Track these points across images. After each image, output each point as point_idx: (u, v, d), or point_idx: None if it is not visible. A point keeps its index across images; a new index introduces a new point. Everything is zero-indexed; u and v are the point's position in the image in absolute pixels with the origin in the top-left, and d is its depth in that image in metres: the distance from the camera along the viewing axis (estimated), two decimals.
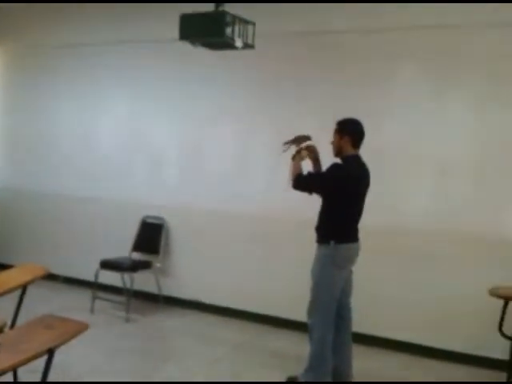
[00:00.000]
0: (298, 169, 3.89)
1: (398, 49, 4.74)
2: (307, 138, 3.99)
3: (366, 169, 3.88)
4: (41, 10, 6.37)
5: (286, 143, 4.00)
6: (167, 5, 5.32)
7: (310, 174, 3.94)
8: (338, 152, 3.87)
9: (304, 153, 3.94)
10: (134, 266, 5.65)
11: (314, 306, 3.89)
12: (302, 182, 3.86)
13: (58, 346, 2.39)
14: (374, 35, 4.78)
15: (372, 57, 4.85)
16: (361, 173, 3.86)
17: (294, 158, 3.95)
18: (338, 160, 3.86)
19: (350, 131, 3.83)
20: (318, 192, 3.90)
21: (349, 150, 3.83)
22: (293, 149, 3.98)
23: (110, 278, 5.75)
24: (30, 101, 6.79)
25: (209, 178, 5.66)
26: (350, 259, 3.91)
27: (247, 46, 3.75)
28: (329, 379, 3.92)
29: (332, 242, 3.79)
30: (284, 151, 3.99)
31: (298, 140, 3.99)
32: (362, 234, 3.93)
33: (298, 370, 4.18)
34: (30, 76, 6.76)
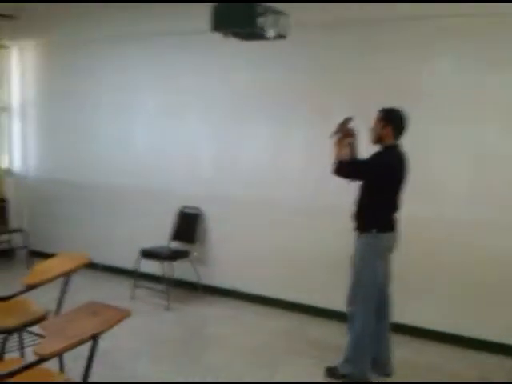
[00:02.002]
0: (340, 155, 3.87)
1: (436, 35, 4.66)
2: (349, 119, 3.94)
3: (406, 158, 3.85)
4: (71, 6, 6.45)
5: (333, 134, 3.95)
6: None
7: (353, 160, 3.92)
8: (378, 140, 3.84)
9: (349, 139, 3.92)
10: (173, 255, 5.76)
11: (355, 295, 3.89)
12: (344, 169, 3.84)
13: (102, 333, 2.46)
14: (409, 22, 4.72)
15: (408, 44, 4.78)
16: (402, 162, 3.83)
17: (336, 144, 3.93)
18: (376, 147, 3.84)
19: (394, 120, 3.80)
20: (360, 179, 3.88)
21: (391, 140, 3.81)
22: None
23: (150, 266, 5.87)
24: (68, 93, 6.92)
25: (245, 168, 5.69)
26: (391, 248, 3.91)
27: (279, 36, 3.73)
28: (368, 370, 3.92)
29: (374, 231, 3.80)
30: (335, 145, 3.92)
31: (342, 126, 3.95)
32: (400, 224, 3.92)
33: (336, 359, 4.20)
34: (68, 69, 6.88)
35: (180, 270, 5.85)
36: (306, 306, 5.37)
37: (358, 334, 3.86)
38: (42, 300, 3.69)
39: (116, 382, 3.83)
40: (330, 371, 4.02)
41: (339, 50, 5.07)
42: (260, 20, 3.50)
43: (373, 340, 3.89)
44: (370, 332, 3.86)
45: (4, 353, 3.39)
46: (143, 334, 4.76)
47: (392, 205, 3.88)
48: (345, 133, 3.93)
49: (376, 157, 3.79)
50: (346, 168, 3.85)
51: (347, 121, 3.96)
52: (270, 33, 3.60)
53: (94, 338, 2.46)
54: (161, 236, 5.99)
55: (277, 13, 3.64)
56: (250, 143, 5.66)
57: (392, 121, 3.80)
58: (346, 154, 3.89)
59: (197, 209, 5.99)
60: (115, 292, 5.83)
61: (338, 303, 4.95)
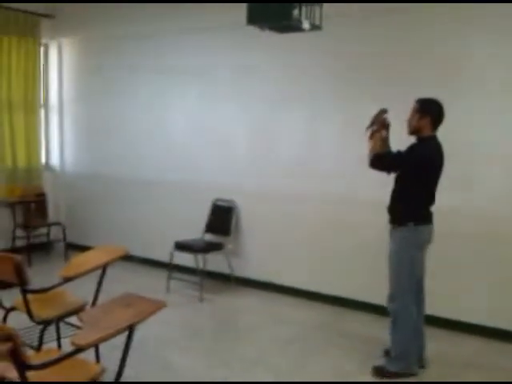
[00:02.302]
0: (376, 147, 3.83)
1: (474, 25, 4.55)
2: (384, 111, 3.90)
3: (443, 150, 3.77)
4: (108, 3, 6.56)
5: (368, 127, 3.92)
6: None
7: (389, 153, 3.88)
8: (415, 131, 3.78)
9: (384, 132, 3.88)
10: (207, 248, 5.79)
11: (396, 291, 3.82)
12: (381, 162, 3.80)
13: (137, 323, 2.50)
14: (445, 10, 4.62)
15: (441, 36, 4.69)
16: (438, 154, 3.76)
17: (371, 136, 3.89)
18: (412, 139, 3.79)
19: (432, 112, 3.73)
20: (397, 171, 3.83)
21: (428, 131, 3.75)
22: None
23: (184, 258, 5.92)
24: (104, 89, 7.01)
25: (278, 161, 5.67)
26: (428, 241, 3.85)
27: (314, 27, 3.69)
28: (415, 365, 3.87)
29: (411, 224, 3.74)
30: (371, 138, 3.90)
31: (377, 118, 3.91)
32: (435, 216, 3.86)
33: (371, 352, 4.20)
34: (105, 65, 6.96)
35: (213, 261, 5.88)
36: (340, 298, 5.34)
37: (405, 331, 3.79)
38: (79, 292, 3.76)
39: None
40: (378, 371, 3.91)
41: (375, 39, 5.00)
42: (295, 12, 3.47)
43: (417, 334, 3.84)
44: (414, 327, 3.81)
45: (42, 343, 3.46)
46: (177, 325, 4.80)
47: (429, 197, 3.81)
48: (380, 124, 3.89)
49: (413, 149, 3.73)
50: (383, 161, 3.81)
51: (382, 112, 3.92)
52: (306, 25, 3.56)
53: (130, 328, 2.49)
54: (195, 228, 6.03)
55: (312, 4, 3.60)
56: (285, 135, 5.64)
57: (429, 112, 3.73)
58: (381, 146, 3.85)
59: (230, 201, 6.01)
60: (150, 284, 5.89)
61: (373, 296, 4.98)
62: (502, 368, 4.10)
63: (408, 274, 3.77)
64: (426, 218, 3.82)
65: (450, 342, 4.55)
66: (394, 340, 3.86)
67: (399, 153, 3.82)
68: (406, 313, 3.78)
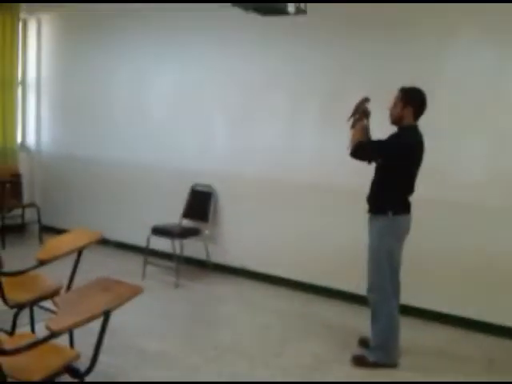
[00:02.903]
0: (357, 136, 3.81)
1: (456, 16, 4.55)
2: (366, 100, 3.88)
3: (423, 140, 3.75)
4: None
5: (350, 117, 3.91)
6: None
7: (370, 141, 3.85)
8: (397, 120, 3.76)
9: (365, 121, 3.87)
10: (184, 233, 5.74)
11: (375, 281, 3.82)
12: (362, 150, 3.77)
13: (114, 309, 2.45)
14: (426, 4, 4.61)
15: (426, 17, 4.67)
16: (419, 144, 3.75)
17: (353, 125, 3.88)
18: (393, 128, 3.78)
19: (415, 101, 3.71)
20: (377, 160, 3.82)
21: (410, 120, 3.74)
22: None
23: (161, 244, 5.87)
24: (81, 68, 6.90)
25: (258, 147, 5.64)
26: (407, 230, 3.85)
27: (300, 11, 3.68)
28: (398, 355, 3.88)
29: (390, 213, 3.73)
30: (352, 127, 3.89)
31: (359, 107, 3.89)
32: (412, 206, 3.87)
33: (347, 341, 4.22)
34: (83, 42, 6.86)
35: (191, 247, 5.85)
36: (317, 287, 5.35)
37: (387, 320, 3.79)
38: (52, 275, 3.70)
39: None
40: (358, 360, 3.90)
41: (359, 28, 4.97)
42: None
43: (396, 324, 3.84)
44: (393, 317, 3.81)
45: (15, 327, 3.40)
46: (152, 311, 4.77)
47: (408, 187, 3.81)
48: (362, 113, 3.87)
49: (395, 137, 3.71)
50: (364, 149, 3.79)
51: (364, 101, 3.90)
52: (291, 8, 3.53)
53: (106, 313, 2.44)
54: (173, 213, 5.98)
55: None
56: (265, 121, 5.60)
57: (412, 101, 3.71)
58: (361, 135, 3.84)
59: (209, 187, 5.96)
60: (126, 268, 5.84)
61: (348, 284, 4.99)
62: (473, 357, 4.15)
63: (387, 264, 3.77)
64: (404, 208, 3.81)
65: (423, 331, 4.59)
66: (374, 330, 3.86)
67: (380, 141, 3.78)
68: (386, 303, 3.79)
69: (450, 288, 4.70)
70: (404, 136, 3.73)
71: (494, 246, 4.52)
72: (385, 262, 3.76)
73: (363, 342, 4.11)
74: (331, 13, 4.99)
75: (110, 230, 5.76)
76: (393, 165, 3.73)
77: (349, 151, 3.81)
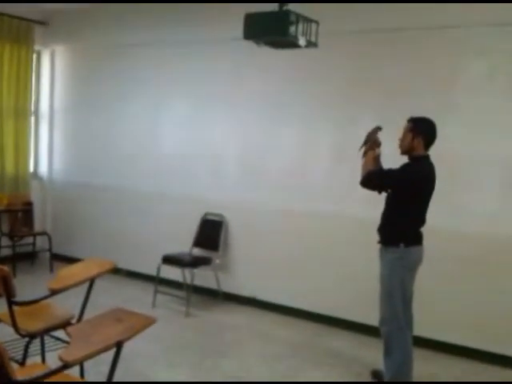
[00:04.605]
0: (368, 166, 3.81)
1: (462, 47, 4.62)
2: (379, 128, 3.90)
3: (434, 171, 3.75)
4: (103, 11, 6.55)
5: (362, 146, 3.93)
6: (230, 5, 5.36)
7: (381, 171, 3.84)
8: (407, 151, 3.75)
9: (378, 150, 3.88)
10: (195, 262, 5.73)
11: (388, 314, 3.77)
12: (372, 180, 3.77)
13: (126, 340, 2.45)
14: (436, 32, 4.67)
15: (436, 54, 4.73)
16: (430, 174, 3.74)
17: (365, 154, 3.88)
18: (404, 158, 3.78)
19: (425, 131, 3.70)
20: (388, 190, 3.81)
21: (420, 151, 3.72)
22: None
23: (172, 272, 5.87)
24: (93, 99, 6.99)
25: (269, 177, 5.66)
26: (419, 262, 3.81)
27: (310, 44, 3.71)
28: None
29: (401, 245, 3.69)
30: (363, 156, 3.91)
31: (371, 136, 3.91)
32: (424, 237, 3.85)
33: (359, 372, 4.17)
34: (95, 74, 6.97)
35: (201, 276, 5.83)
36: (328, 317, 5.31)
37: (396, 354, 3.74)
38: (62, 303, 3.70)
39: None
40: None
41: (368, 59, 5.04)
42: (292, 29, 3.48)
43: (412, 355, 3.79)
44: (408, 348, 3.76)
45: (26, 357, 3.39)
46: (162, 340, 4.74)
47: (420, 218, 3.78)
48: (373, 142, 3.89)
49: (406, 168, 3.70)
50: (375, 179, 3.79)
51: (377, 130, 3.92)
52: (302, 41, 3.57)
53: (119, 345, 2.44)
54: (184, 242, 5.98)
55: (308, 21, 3.62)
56: (276, 151, 5.63)
57: (422, 131, 3.70)
58: (372, 164, 3.85)
59: (220, 216, 5.97)
60: (136, 297, 5.83)
61: (358, 315, 4.96)
62: None
63: (400, 296, 3.73)
64: (416, 239, 3.78)
65: (435, 363, 4.54)
66: (387, 363, 3.80)
67: (391, 171, 3.78)
68: (400, 336, 3.74)
69: (462, 320, 4.65)
70: (415, 166, 3.73)
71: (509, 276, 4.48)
72: (397, 294, 3.72)
73: (376, 375, 4.06)
74: (342, 46, 5.06)
75: (120, 258, 5.71)
76: (402, 195, 3.72)
77: (359, 181, 3.82)
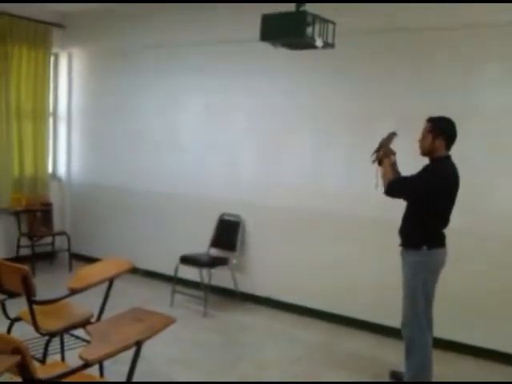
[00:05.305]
0: (388, 174, 3.74)
1: (477, 47, 4.57)
2: (394, 134, 3.84)
3: (457, 171, 3.68)
4: (124, 12, 6.59)
5: (375, 152, 3.88)
6: (246, 5, 5.38)
7: (404, 178, 3.75)
8: (428, 152, 3.68)
9: (394, 158, 3.81)
10: (212, 262, 5.76)
11: (410, 316, 3.73)
12: (396, 188, 3.69)
13: (146, 339, 2.47)
14: (449, 33, 4.63)
15: (451, 55, 4.70)
16: (453, 175, 3.66)
17: (379, 162, 3.83)
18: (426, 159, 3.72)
19: (445, 132, 3.62)
20: (413, 197, 3.71)
21: (442, 152, 3.65)
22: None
23: (189, 272, 5.89)
24: (113, 100, 7.03)
25: (286, 177, 5.66)
26: (442, 264, 3.74)
27: (327, 45, 3.68)
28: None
29: (424, 248, 3.64)
30: (374, 161, 3.87)
31: (385, 143, 3.85)
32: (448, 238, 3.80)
33: (375, 372, 4.15)
34: (114, 76, 7.01)
35: (218, 276, 5.85)
36: (345, 317, 5.29)
37: (418, 356, 3.71)
38: (81, 302, 3.72)
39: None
40: None
41: (384, 61, 5.02)
42: (309, 30, 3.47)
43: (431, 359, 3.75)
44: (429, 349, 3.73)
45: (46, 355, 3.43)
46: (180, 339, 4.75)
47: (443, 220, 3.71)
48: (388, 149, 3.83)
49: (428, 170, 3.62)
50: (398, 188, 3.71)
51: (392, 136, 3.86)
52: (319, 42, 3.55)
53: (138, 344, 2.46)
54: (201, 243, 6.01)
55: (325, 22, 3.61)
56: (293, 152, 5.63)
57: (443, 131, 3.62)
58: (393, 172, 3.78)
59: (237, 216, 5.99)
60: (154, 297, 5.86)
61: (378, 316, 4.94)
62: None
63: (423, 298, 3.68)
64: (439, 241, 3.72)
65: (455, 364, 4.51)
66: (408, 365, 3.77)
67: (412, 177, 3.67)
68: (422, 338, 3.71)
69: (487, 321, 4.60)
70: (437, 167, 3.64)
71: None
72: (420, 297, 3.67)
73: (394, 376, 4.05)
74: (357, 46, 5.04)
75: (138, 258, 5.77)
76: (426, 198, 3.63)
77: (383, 191, 3.75)
